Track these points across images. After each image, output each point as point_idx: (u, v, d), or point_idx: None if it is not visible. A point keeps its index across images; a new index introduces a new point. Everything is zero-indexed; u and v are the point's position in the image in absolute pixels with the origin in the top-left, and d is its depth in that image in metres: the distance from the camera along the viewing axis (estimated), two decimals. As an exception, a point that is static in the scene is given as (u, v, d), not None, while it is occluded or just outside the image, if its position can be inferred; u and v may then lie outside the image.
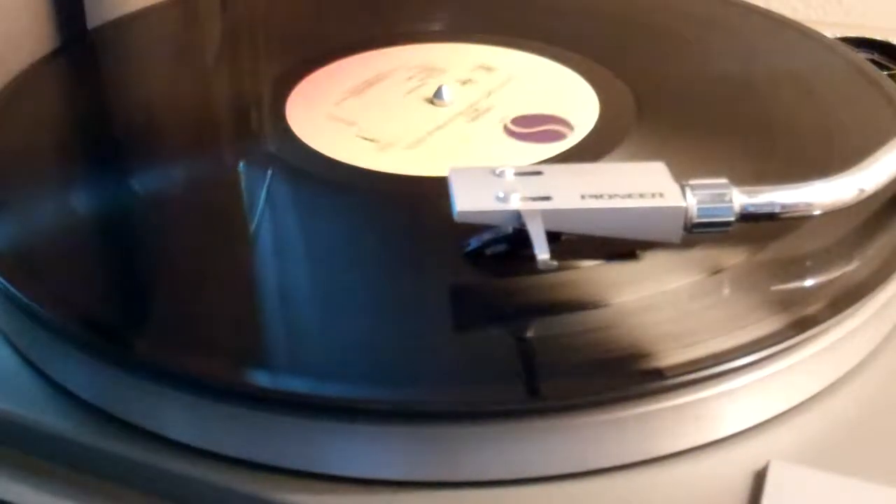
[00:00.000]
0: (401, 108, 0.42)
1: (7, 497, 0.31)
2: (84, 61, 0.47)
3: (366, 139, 0.39)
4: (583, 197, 0.31)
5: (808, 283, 0.32)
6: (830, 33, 0.47)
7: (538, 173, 0.32)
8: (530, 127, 0.40)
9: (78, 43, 0.47)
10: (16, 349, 0.33)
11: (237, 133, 0.42)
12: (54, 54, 0.46)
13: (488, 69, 0.44)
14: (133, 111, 0.43)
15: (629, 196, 0.31)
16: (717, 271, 0.32)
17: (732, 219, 0.32)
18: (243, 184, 0.38)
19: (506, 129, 0.40)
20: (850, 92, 0.42)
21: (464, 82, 0.43)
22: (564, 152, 0.38)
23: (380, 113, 0.41)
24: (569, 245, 0.31)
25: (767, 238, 0.33)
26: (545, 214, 0.30)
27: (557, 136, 0.39)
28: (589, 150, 0.38)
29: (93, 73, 0.47)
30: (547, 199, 0.31)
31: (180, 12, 0.51)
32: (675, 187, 0.32)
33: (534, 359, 0.30)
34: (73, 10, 0.47)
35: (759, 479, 0.28)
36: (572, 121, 0.40)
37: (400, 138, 0.39)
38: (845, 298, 0.31)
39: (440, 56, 0.45)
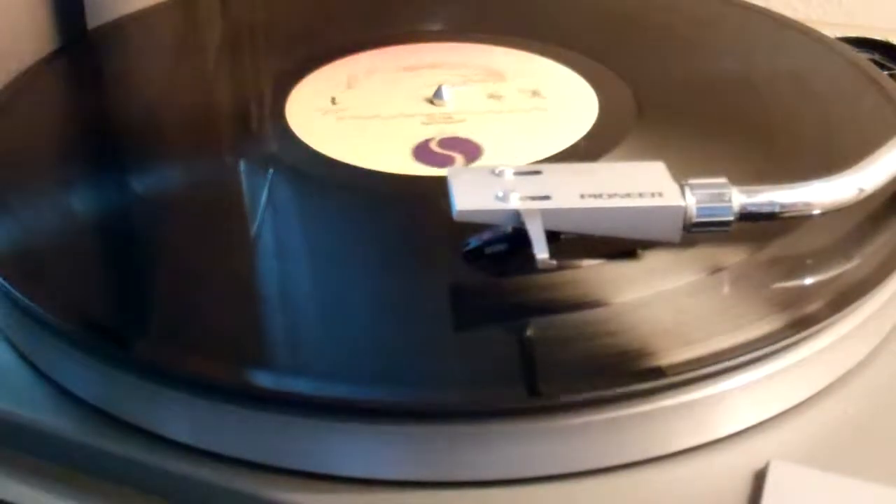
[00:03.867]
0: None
1: (7, 497, 0.31)
2: (84, 61, 0.47)
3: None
4: (582, 196, 0.31)
5: (808, 282, 0.32)
6: (830, 33, 0.47)
7: (537, 173, 0.32)
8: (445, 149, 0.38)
9: (78, 43, 0.47)
10: (16, 349, 0.33)
11: (237, 133, 0.42)
12: (54, 54, 0.46)
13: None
14: (133, 111, 0.43)
15: (628, 195, 0.31)
16: (716, 270, 0.32)
17: (732, 218, 0.31)
18: (243, 184, 0.38)
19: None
20: (851, 92, 0.42)
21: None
22: (564, 151, 0.38)
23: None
24: (568, 244, 0.31)
25: (767, 237, 0.33)
26: (544, 214, 0.30)
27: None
28: (589, 150, 0.38)
29: (93, 73, 0.47)
30: (546, 198, 0.31)
31: (180, 12, 0.51)
32: (675, 187, 0.32)
33: (534, 358, 0.30)
34: (74, 10, 0.47)
35: (759, 479, 0.28)
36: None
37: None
38: (845, 297, 0.31)
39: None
